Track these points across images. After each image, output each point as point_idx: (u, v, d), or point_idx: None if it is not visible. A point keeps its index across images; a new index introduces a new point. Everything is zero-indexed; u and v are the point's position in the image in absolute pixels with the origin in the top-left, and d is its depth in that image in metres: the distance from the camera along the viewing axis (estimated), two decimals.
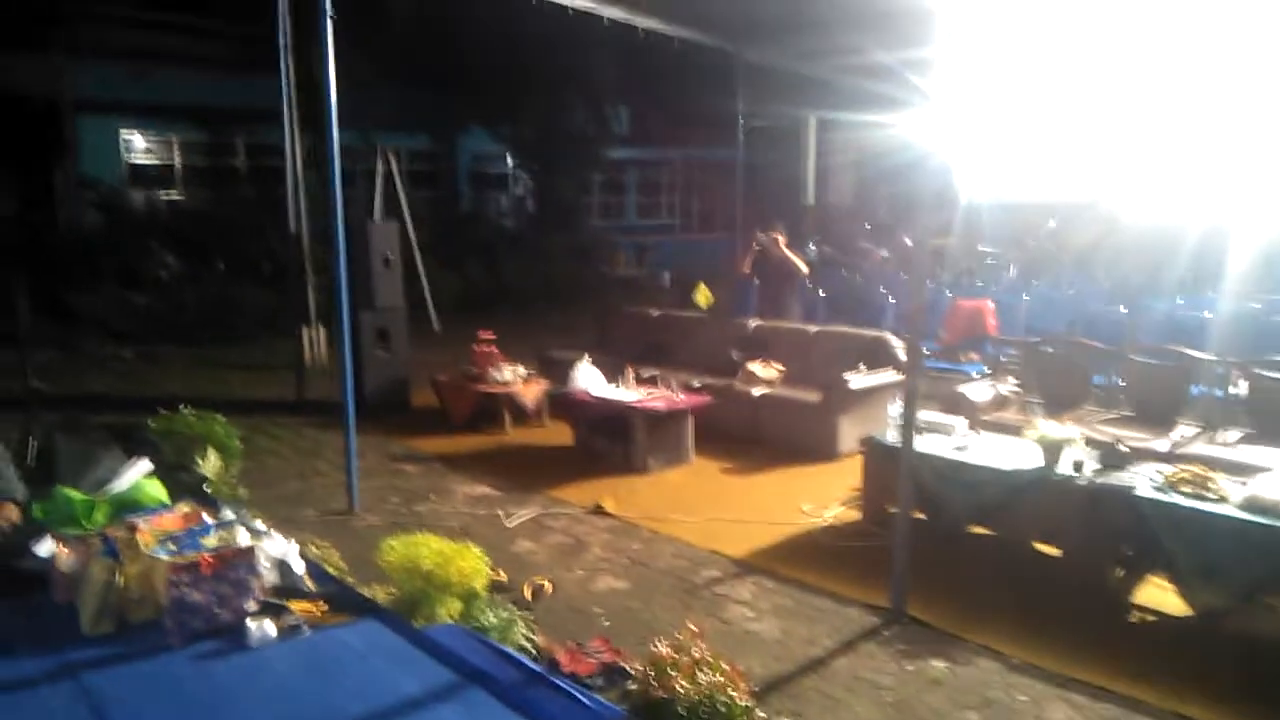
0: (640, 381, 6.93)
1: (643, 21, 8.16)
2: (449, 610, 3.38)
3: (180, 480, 3.99)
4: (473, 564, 3.51)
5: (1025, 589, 4.33)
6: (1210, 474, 4.00)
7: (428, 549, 3.47)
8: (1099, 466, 4.32)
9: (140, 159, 15.67)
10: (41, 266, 11.24)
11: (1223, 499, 3.85)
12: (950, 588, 4.30)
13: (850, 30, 7.81)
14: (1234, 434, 5.28)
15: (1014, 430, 5.05)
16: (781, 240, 8.36)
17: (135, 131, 15.50)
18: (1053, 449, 4.39)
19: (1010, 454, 4.64)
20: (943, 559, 4.55)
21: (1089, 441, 4.62)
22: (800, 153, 17.98)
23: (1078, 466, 4.30)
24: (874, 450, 5.08)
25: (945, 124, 4.32)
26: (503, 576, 4.25)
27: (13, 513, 3.74)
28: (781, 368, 7.31)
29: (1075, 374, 6.19)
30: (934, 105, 4.19)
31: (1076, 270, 11.57)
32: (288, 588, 3.02)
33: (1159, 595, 4.15)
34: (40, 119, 13.63)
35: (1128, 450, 4.41)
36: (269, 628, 2.73)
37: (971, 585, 4.38)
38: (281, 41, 8.19)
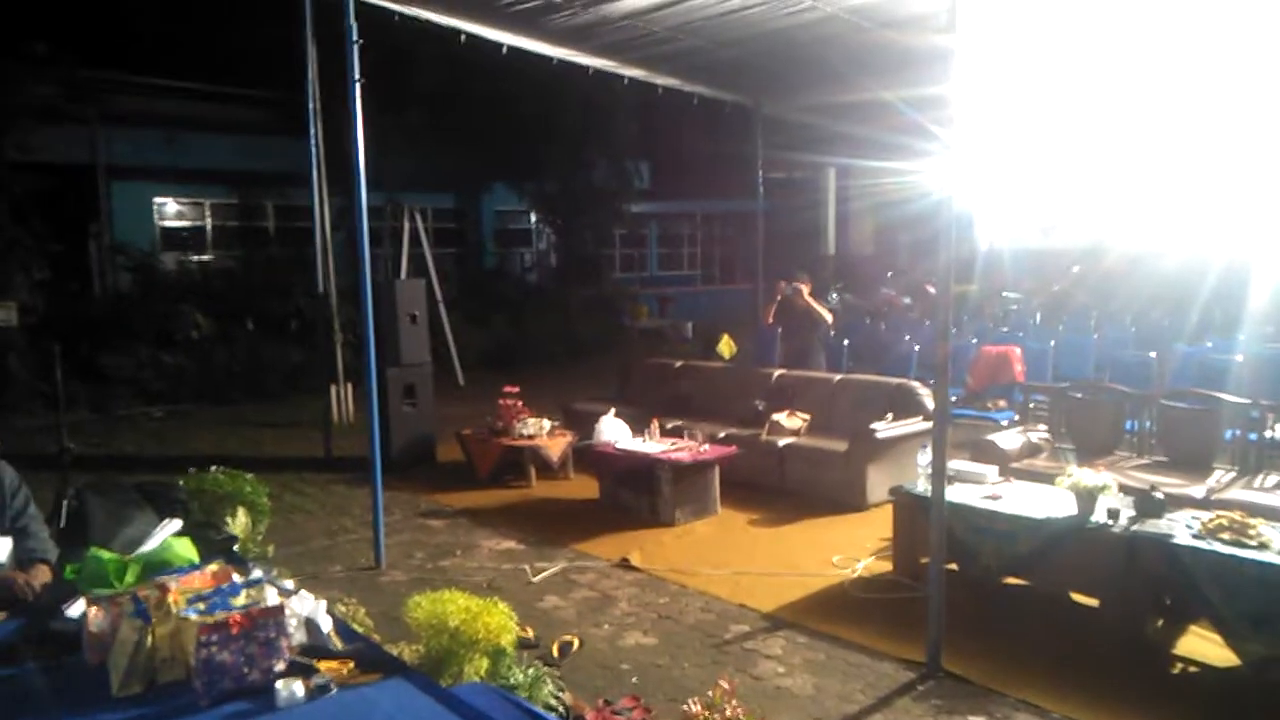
0: (665, 433, 6.92)
1: (662, 80, 8.32)
2: (476, 668, 3.35)
3: (210, 539, 4.01)
4: (499, 620, 3.48)
5: (1063, 641, 4.24)
6: (1249, 520, 3.91)
7: (454, 605, 3.45)
8: (1134, 514, 4.24)
9: (172, 223, 16.03)
10: (76, 330, 11.46)
11: (1264, 545, 3.77)
12: (986, 640, 4.21)
13: (867, 78, 7.92)
14: (1271, 478, 5.17)
15: (1046, 478, 4.98)
16: (805, 289, 8.38)
17: (167, 196, 15.88)
18: (1087, 497, 4.33)
19: (1043, 502, 4.57)
20: (977, 611, 4.47)
21: (1123, 488, 4.55)
22: (820, 201, 18.12)
23: (1113, 514, 4.23)
24: (904, 500, 5.02)
25: (965, 171, 4.35)
26: (530, 633, 4.22)
27: (45, 574, 3.77)
28: (807, 417, 7.27)
29: (1106, 420, 6.12)
30: (953, 152, 4.21)
31: (1102, 314, 11.49)
32: (315, 646, 3.00)
33: (1201, 645, 4.04)
34: (75, 186, 14.00)
35: (1163, 497, 4.34)
36: (297, 688, 2.71)
37: (1008, 638, 4.29)
38: (311, 106, 8.40)
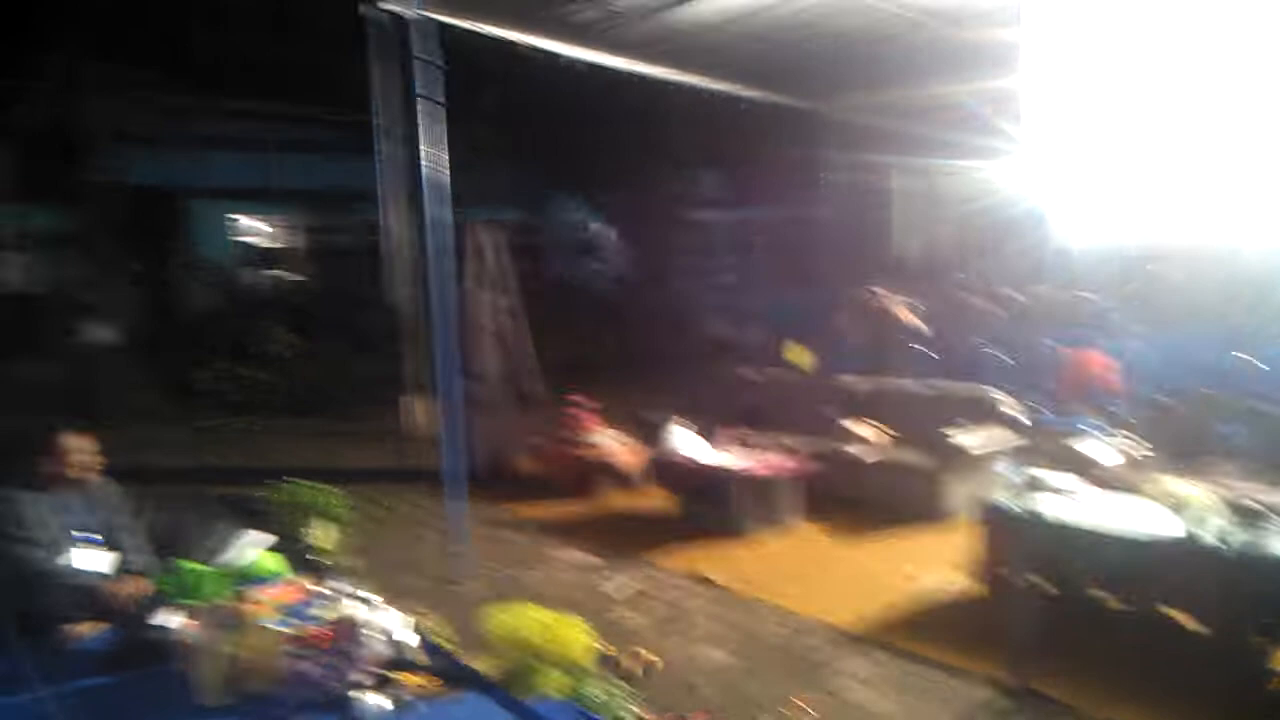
0: (739, 444, 6.85)
1: (721, 85, 8.30)
2: (554, 683, 3.34)
3: (293, 551, 4.09)
4: (577, 635, 3.47)
5: (1158, 661, 4.05)
6: None
7: (532, 619, 3.45)
8: (1234, 528, 4.04)
9: (253, 240, 16.55)
10: (163, 346, 11.88)
11: None
12: (1076, 660, 4.05)
13: (932, 73, 7.79)
14: None
15: (1137, 490, 4.78)
16: (885, 296, 8.17)
17: (246, 214, 16.40)
18: (1182, 510, 4.14)
19: (1136, 515, 4.38)
20: (1067, 629, 4.30)
21: (1220, 501, 4.34)
22: (886, 202, 17.83)
23: (1211, 528, 4.04)
24: (988, 513, 4.87)
25: (1037, 168, 4.22)
26: (605, 648, 4.20)
27: (140, 585, 3.89)
28: (884, 428, 7.13)
29: (1197, 427, 5.87)
30: (1023, 148, 4.10)
31: (1189, 316, 11.04)
32: (397, 659, 3.04)
33: None
34: (161, 207, 14.54)
35: (1264, 510, 4.12)
36: (382, 700, 2.74)
37: (1099, 657, 4.12)
38: (379, 124, 8.57)
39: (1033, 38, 3.76)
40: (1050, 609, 4.17)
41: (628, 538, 6.32)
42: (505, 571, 5.75)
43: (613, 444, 7.61)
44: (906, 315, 8.22)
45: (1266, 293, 9.15)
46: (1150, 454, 5.86)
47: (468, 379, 8.10)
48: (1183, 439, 5.85)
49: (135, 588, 3.85)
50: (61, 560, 3.86)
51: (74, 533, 3.96)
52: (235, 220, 16.28)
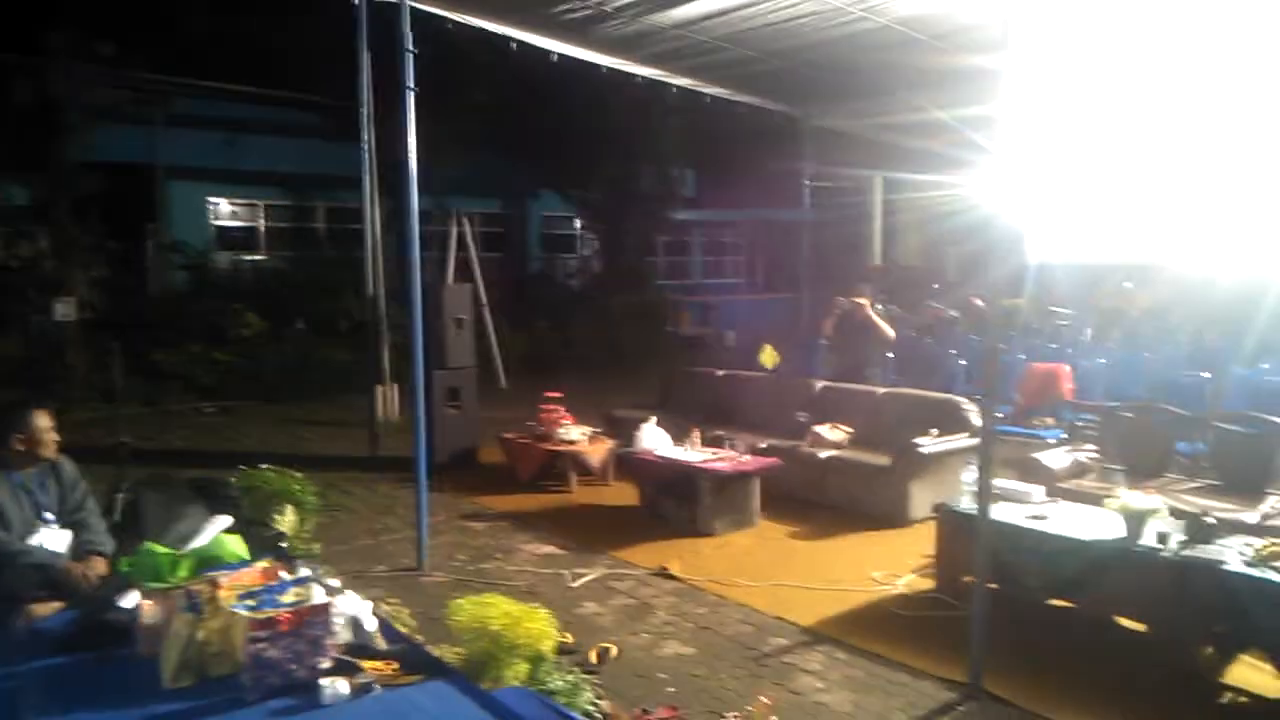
0: (706, 442, 6.92)
1: (710, 89, 8.34)
2: (516, 672, 3.38)
3: (259, 536, 4.09)
4: (540, 626, 3.51)
5: (1108, 666, 4.16)
6: None
7: (496, 609, 3.48)
8: (1185, 539, 4.15)
9: (226, 222, 16.38)
10: (131, 326, 11.75)
11: None
12: (1029, 662, 4.15)
13: (914, 91, 7.87)
14: None
15: (1094, 499, 4.90)
16: (867, 303, 8.21)
17: (222, 197, 16.23)
18: (1136, 519, 4.24)
19: (1091, 524, 4.49)
20: (1021, 632, 4.40)
21: (1174, 512, 4.46)
22: (867, 212, 17.98)
23: (1162, 538, 4.15)
24: (948, 517, 4.97)
25: (1012, 183, 4.30)
26: (569, 639, 4.24)
27: (101, 566, 3.88)
28: (850, 430, 7.23)
29: (1157, 441, 6.00)
30: (1000, 164, 4.18)
31: (1154, 333, 11.25)
32: (360, 646, 3.06)
33: (1252, 675, 3.95)
34: (134, 186, 14.38)
35: (1215, 522, 4.24)
36: (342, 686, 2.76)
37: (1052, 660, 4.22)
38: (363, 112, 8.54)
39: (1016, 62, 3.83)
40: (1002, 609, 4.27)
41: (593, 531, 6.37)
42: (469, 561, 5.78)
43: (581, 438, 7.64)
44: (880, 321, 8.28)
45: (1239, 316, 9.33)
46: (1108, 465, 5.98)
47: (440, 368, 8.10)
48: (1142, 452, 5.97)
49: (96, 569, 3.84)
50: (25, 540, 3.84)
51: (38, 512, 3.95)
52: (212, 201, 16.12)
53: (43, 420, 3.99)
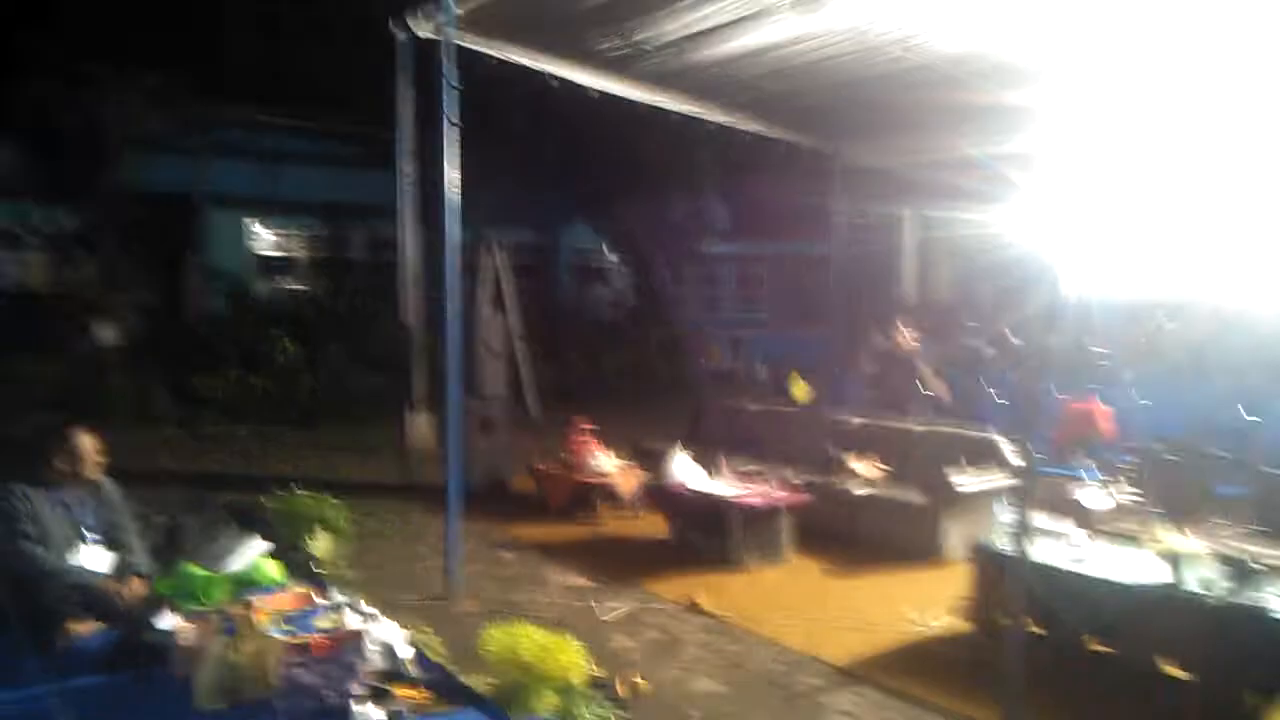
0: (737, 475, 6.88)
1: (745, 124, 8.39)
2: (545, 703, 3.36)
3: (293, 560, 4.12)
4: (571, 657, 3.49)
5: (1149, 712, 4.06)
6: None
7: (528, 639, 3.47)
8: (1229, 584, 4.06)
9: (265, 250, 16.66)
10: (170, 351, 11.96)
11: None
12: (1067, 707, 4.07)
13: (949, 127, 7.87)
14: None
15: (1133, 540, 4.80)
16: (908, 336, 8.11)
17: (262, 225, 16.52)
18: (1177, 563, 4.16)
19: (1131, 566, 4.40)
20: (1058, 675, 4.31)
21: (1216, 556, 4.36)
22: (899, 247, 17.92)
23: (1206, 583, 4.06)
24: (983, 556, 4.90)
25: (1050, 220, 4.28)
26: (598, 671, 4.21)
27: (139, 586, 3.92)
28: (883, 465, 7.16)
29: (1198, 483, 5.88)
30: (1036, 199, 4.16)
31: (1194, 372, 11.06)
32: (392, 672, 3.06)
33: None
34: (176, 213, 14.69)
35: (1260, 567, 4.14)
36: (375, 713, 2.77)
37: (1089, 705, 4.14)
38: (402, 144, 8.66)
39: (1052, 98, 3.83)
40: (1040, 651, 4.19)
41: (623, 563, 6.34)
42: (500, 591, 5.77)
43: (612, 468, 7.64)
44: (918, 356, 8.17)
45: None
46: (1147, 506, 5.88)
47: (473, 397, 8.15)
48: (1182, 494, 5.86)
49: (134, 589, 3.89)
50: (68, 559, 3.90)
51: (79, 532, 4.01)
52: (252, 229, 16.41)
53: (87, 441, 4.06)
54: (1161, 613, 4.12)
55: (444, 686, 3.05)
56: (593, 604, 5.51)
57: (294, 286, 16.75)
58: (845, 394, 9.64)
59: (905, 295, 17.66)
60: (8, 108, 11.48)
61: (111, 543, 4.07)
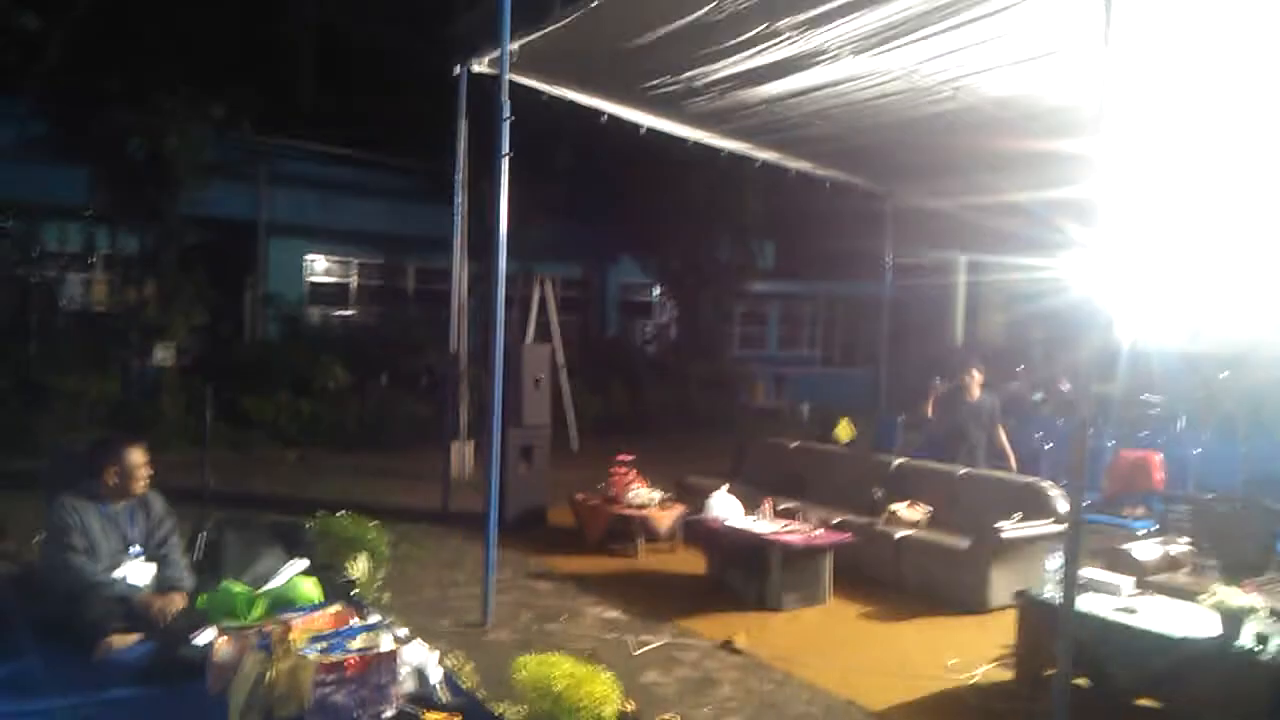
0: (778, 514, 6.80)
1: (795, 163, 8.42)
2: None
3: (332, 581, 4.16)
4: (603, 690, 3.46)
5: None
6: None
7: (560, 670, 3.45)
8: None
9: (320, 278, 17.02)
10: (224, 373, 12.22)
11: None
12: None
13: (1001, 173, 7.83)
14: None
15: (1186, 595, 4.65)
16: (977, 379, 7.96)
17: (318, 254, 16.88)
18: (1233, 619, 4.01)
19: (1184, 621, 4.26)
20: None
21: (1271, 612, 4.20)
22: (949, 291, 17.75)
23: (1262, 640, 3.91)
24: (1029, 606, 4.76)
25: (1107, 269, 4.21)
26: (630, 707, 4.16)
27: (180, 601, 3.99)
28: (928, 509, 7.03)
29: (1256, 537, 5.67)
30: (1092, 248, 4.10)
31: (1252, 424, 10.74)
32: (423, 696, 3.06)
33: None
34: (236, 240, 15.09)
35: None
36: None
37: None
38: (457, 177, 8.83)
39: (1110, 146, 3.77)
40: (1085, 705, 4.05)
41: (658, 598, 6.28)
42: (534, 620, 5.75)
43: (651, 501, 7.60)
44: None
45: None
46: (1202, 559, 5.69)
47: (516, 428, 8.20)
48: (1239, 548, 5.66)
49: (174, 604, 3.95)
50: (110, 571, 3.98)
51: (125, 545, 4.09)
52: (308, 257, 16.77)
53: (136, 456, 4.15)
54: (1213, 669, 3.97)
55: (473, 712, 3.04)
56: (627, 638, 5.46)
57: (347, 314, 17.07)
58: (891, 435, 9.51)
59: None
60: (79, 133, 11.94)
61: (155, 557, 4.14)
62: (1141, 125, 5.53)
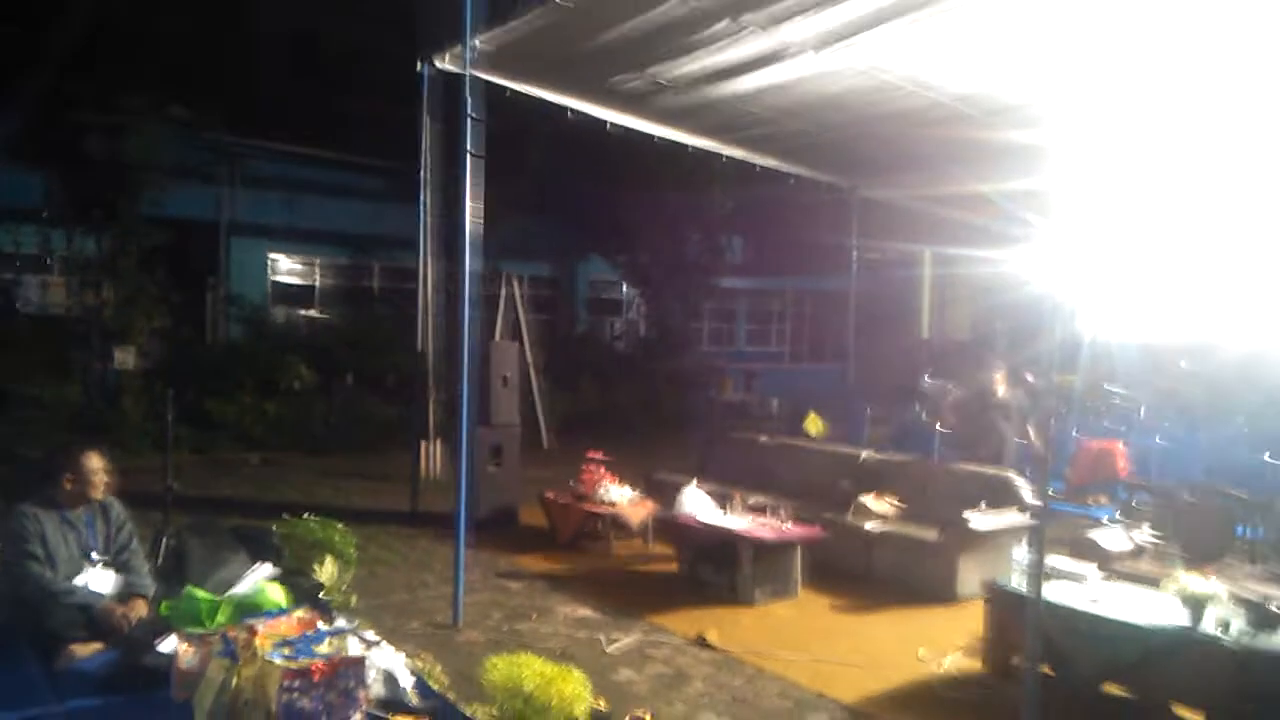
0: (748, 509, 6.82)
1: (761, 159, 8.44)
2: None
3: (298, 585, 4.10)
4: (574, 689, 3.45)
5: None
6: None
7: (530, 670, 3.43)
8: (1248, 627, 3.98)
9: (284, 278, 16.81)
10: (187, 375, 12.03)
11: None
12: None
13: (964, 166, 7.88)
14: None
15: (1150, 581, 4.71)
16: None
17: (281, 254, 16.68)
18: (1195, 605, 4.08)
19: (1148, 608, 4.32)
20: (1071, 718, 4.22)
21: (1235, 599, 4.28)
22: (915, 284, 17.89)
23: (1224, 626, 3.98)
24: (997, 596, 4.81)
25: (1067, 260, 4.26)
26: (602, 705, 4.15)
27: (142, 608, 3.92)
28: (897, 502, 7.09)
29: (1217, 525, 5.78)
30: (1054, 242, 4.14)
31: (1212, 413, 10.93)
32: (392, 700, 3.03)
33: None
34: (198, 240, 14.85)
35: (1276, 609, 4.06)
36: None
37: None
38: (423, 176, 8.75)
39: (1065, 138, 3.82)
40: (1053, 693, 4.10)
41: (630, 595, 6.27)
42: (505, 620, 5.72)
43: (622, 499, 7.59)
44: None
45: None
46: (1166, 547, 5.78)
47: (485, 426, 8.15)
48: (1202, 535, 5.76)
49: (136, 610, 3.88)
50: (70, 579, 3.90)
51: (85, 552, 4.01)
52: (273, 258, 16.56)
53: (93, 461, 4.08)
54: (1178, 656, 4.03)
55: (442, 714, 3.01)
56: (598, 636, 5.44)
57: (312, 314, 16.88)
58: (860, 429, 9.57)
59: (920, 333, 17.59)
60: (36, 135, 11.69)
61: (117, 564, 4.07)
62: (1100, 117, 5.60)
